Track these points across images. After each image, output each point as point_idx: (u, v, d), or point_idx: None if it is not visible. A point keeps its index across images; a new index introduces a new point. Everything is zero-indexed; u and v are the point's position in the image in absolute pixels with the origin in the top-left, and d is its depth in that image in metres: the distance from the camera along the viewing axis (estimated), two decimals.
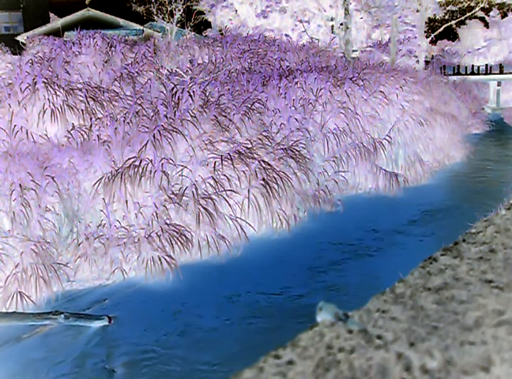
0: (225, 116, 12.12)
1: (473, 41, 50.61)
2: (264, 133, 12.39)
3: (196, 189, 10.01)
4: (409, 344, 0.67)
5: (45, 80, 12.46)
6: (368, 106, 15.11)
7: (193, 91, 12.63)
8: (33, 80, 12.38)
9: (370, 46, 38.47)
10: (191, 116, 11.58)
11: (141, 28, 26.41)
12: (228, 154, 10.92)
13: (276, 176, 11.11)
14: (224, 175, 10.57)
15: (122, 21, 26.95)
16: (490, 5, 46.61)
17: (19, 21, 29.32)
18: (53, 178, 9.45)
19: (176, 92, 12.69)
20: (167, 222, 9.41)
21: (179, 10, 19.48)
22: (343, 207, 12.09)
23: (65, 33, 22.30)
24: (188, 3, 21.87)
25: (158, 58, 16.47)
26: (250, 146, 11.53)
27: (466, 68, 42.13)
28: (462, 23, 47.03)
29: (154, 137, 10.70)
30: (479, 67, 42.61)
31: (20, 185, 9.01)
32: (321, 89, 14.59)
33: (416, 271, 0.89)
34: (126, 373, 6.28)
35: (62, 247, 9.07)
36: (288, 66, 17.94)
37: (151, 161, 10.18)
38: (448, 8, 44.37)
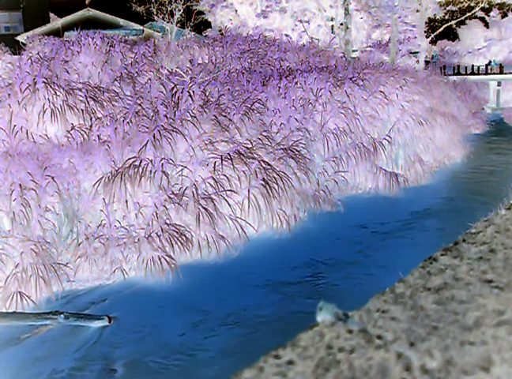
0: (225, 116, 12.12)
1: (473, 41, 50.61)
2: (264, 133, 12.39)
3: (196, 189, 10.01)
4: (409, 344, 0.67)
5: (45, 80, 12.46)
6: (368, 106, 15.11)
7: (193, 91, 12.63)
8: (33, 80, 12.38)
9: (370, 46, 38.46)
10: (191, 116, 11.58)
11: (141, 28, 26.43)
12: (228, 154, 10.91)
13: (276, 176, 11.11)
14: (224, 175, 10.57)
15: (122, 21, 26.97)
16: (490, 5, 46.61)
17: (19, 21, 29.32)
18: (53, 178, 9.45)
19: (176, 92, 12.69)
20: (167, 222, 9.41)
21: (179, 10, 19.47)
22: (343, 207, 12.09)
23: (65, 33, 22.30)
24: (188, 3, 21.86)
25: (158, 58, 16.47)
26: (250, 146, 11.53)
27: (466, 68, 42.15)
28: (462, 23, 47.03)
29: (154, 137, 10.71)
30: (479, 67, 42.64)
31: (20, 185, 9.01)
32: (321, 89, 14.59)
33: (416, 271, 0.89)
34: (126, 373, 6.28)
35: (62, 247, 9.07)
36: (288, 66, 17.94)
37: (151, 161, 10.18)
38: (448, 8, 44.37)
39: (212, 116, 11.83)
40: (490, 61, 44.07)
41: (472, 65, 43.14)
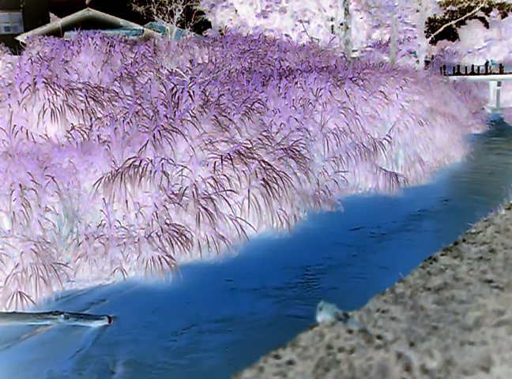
0: (225, 116, 12.12)
1: (473, 41, 50.62)
2: (264, 133, 12.39)
3: (196, 189, 10.01)
4: (409, 344, 0.67)
5: (45, 80, 12.46)
6: (368, 106, 15.11)
7: (193, 91, 12.63)
8: (33, 80, 12.38)
9: (370, 46, 38.47)
10: (191, 116, 11.58)
11: (141, 28, 26.43)
12: (228, 154, 10.91)
13: (276, 176, 11.10)
14: (224, 175, 10.57)
15: (122, 21, 26.97)
16: (490, 5, 46.61)
17: (19, 21, 29.33)
18: (53, 178, 9.45)
19: (176, 92, 12.69)
20: (167, 222, 9.41)
21: (179, 10, 19.48)
22: (343, 207, 12.09)
23: (65, 33, 22.30)
24: (188, 3, 21.86)
25: (158, 58, 16.47)
26: (250, 146, 11.53)
27: (466, 68, 42.16)
28: (462, 23, 47.02)
29: (154, 137, 10.70)
30: (479, 67, 42.65)
31: (20, 185, 9.01)
32: (321, 89, 14.59)
33: (416, 271, 0.89)
34: (126, 373, 6.28)
35: (62, 247, 9.07)
36: (288, 66, 17.94)
37: (151, 161, 10.17)
38: (448, 8, 44.36)
39: (212, 116, 11.83)
40: (487, 62, 44.08)
41: (472, 65, 43.16)
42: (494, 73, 40.86)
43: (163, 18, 19.80)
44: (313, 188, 12.22)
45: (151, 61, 16.32)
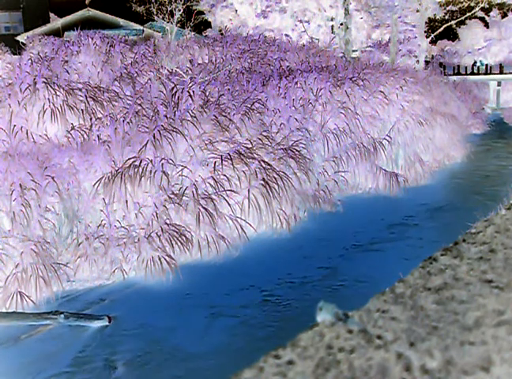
0: (225, 116, 12.12)
1: (473, 41, 50.64)
2: (264, 133, 12.38)
3: (196, 189, 10.01)
4: (409, 344, 0.67)
5: (45, 80, 12.46)
6: (368, 106, 15.11)
7: (193, 92, 12.63)
8: (33, 80, 12.38)
9: (370, 46, 38.48)
10: (191, 116, 11.58)
11: (141, 28, 26.43)
12: (228, 154, 10.91)
13: (276, 176, 11.10)
14: (224, 175, 10.56)
15: (122, 21, 26.97)
16: (490, 5, 46.59)
17: (19, 21, 29.32)
18: (53, 178, 9.45)
19: (176, 92, 12.69)
20: (167, 222, 9.41)
21: (179, 10, 19.48)
22: (343, 207, 12.09)
23: (65, 33, 22.30)
24: (188, 3, 21.86)
25: (158, 58, 16.47)
26: (250, 146, 11.52)
27: (466, 68, 42.17)
28: (462, 23, 47.02)
29: (154, 137, 10.70)
30: (479, 67, 42.66)
31: (20, 185, 9.01)
32: (321, 89, 14.58)
33: (416, 271, 0.89)
34: (126, 373, 6.28)
35: (62, 247, 9.07)
36: (288, 66, 17.93)
37: (151, 161, 10.17)
38: (448, 8, 44.35)
39: (212, 116, 11.83)
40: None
41: (472, 65, 43.17)
42: (494, 73, 40.85)
43: (163, 18, 19.80)
44: (313, 188, 12.22)
45: (151, 61, 16.33)
